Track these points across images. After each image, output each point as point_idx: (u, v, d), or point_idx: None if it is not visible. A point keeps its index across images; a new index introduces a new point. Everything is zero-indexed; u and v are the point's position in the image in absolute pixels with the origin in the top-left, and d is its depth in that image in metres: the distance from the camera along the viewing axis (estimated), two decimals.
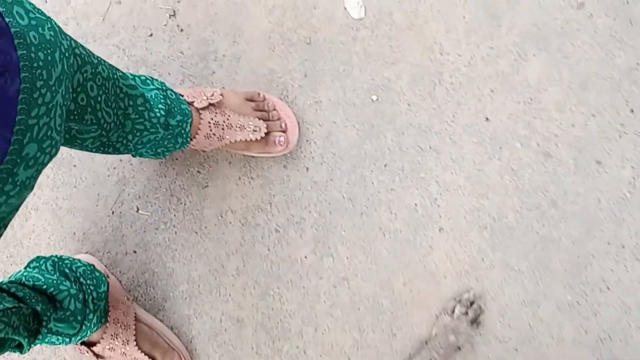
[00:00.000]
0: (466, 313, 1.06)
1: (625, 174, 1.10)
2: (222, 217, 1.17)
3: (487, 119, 1.12)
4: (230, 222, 1.17)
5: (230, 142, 1.06)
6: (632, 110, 1.10)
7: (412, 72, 1.15)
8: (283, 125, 1.10)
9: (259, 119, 1.07)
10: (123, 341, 1.07)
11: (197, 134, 1.00)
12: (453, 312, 1.07)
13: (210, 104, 1.02)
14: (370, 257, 1.14)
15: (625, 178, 1.10)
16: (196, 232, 1.18)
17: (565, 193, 1.09)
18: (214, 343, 1.18)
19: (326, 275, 1.15)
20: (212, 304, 1.18)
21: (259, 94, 1.11)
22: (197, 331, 1.19)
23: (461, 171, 1.12)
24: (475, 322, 1.06)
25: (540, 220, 1.09)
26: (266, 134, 1.08)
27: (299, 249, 1.16)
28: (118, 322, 1.07)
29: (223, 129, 1.05)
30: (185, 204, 1.18)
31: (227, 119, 1.05)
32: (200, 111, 1.01)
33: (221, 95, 1.05)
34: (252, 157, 1.15)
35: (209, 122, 1.01)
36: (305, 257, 1.16)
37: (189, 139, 0.99)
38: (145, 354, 1.09)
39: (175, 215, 1.18)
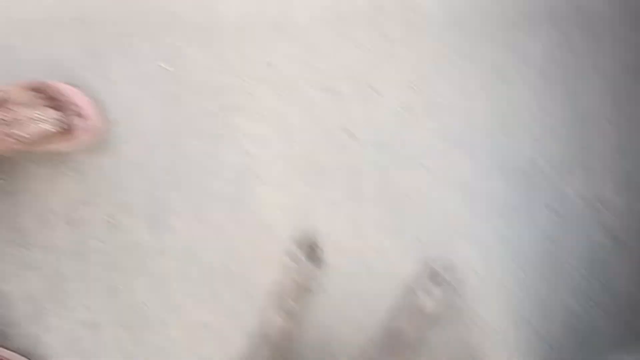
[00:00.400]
0: (307, 255, 1.07)
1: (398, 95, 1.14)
2: (43, 220, 1.11)
3: (269, 64, 1.11)
4: (54, 225, 1.11)
5: (25, 137, 0.98)
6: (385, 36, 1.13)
7: (195, 35, 1.11)
8: (79, 110, 1.04)
9: (51, 108, 1.01)
10: None
11: None
12: (294, 255, 1.07)
13: None
14: (206, 224, 1.12)
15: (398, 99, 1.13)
16: (20, 245, 1.11)
17: (360, 125, 1.12)
18: (72, 355, 1.13)
19: (169, 253, 1.12)
20: (60, 315, 1.12)
21: (45, 83, 1.03)
22: (50, 348, 1.12)
23: (267, 123, 1.11)
24: (317, 260, 1.08)
25: (346, 153, 1.11)
26: (63, 123, 1.02)
27: (134, 233, 1.12)
28: None
29: (10, 125, 0.97)
30: None
31: (14, 115, 0.97)
32: None
33: (2, 92, 0.97)
34: (61, 152, 1.08)
35: None
36: (144, 239, 1.12)
37: None
38: None
39: None
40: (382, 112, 1.12)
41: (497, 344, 1.11)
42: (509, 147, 1.13)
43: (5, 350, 1.10)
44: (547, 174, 1.13)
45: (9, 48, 1.10)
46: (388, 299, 1.10)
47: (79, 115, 1.05)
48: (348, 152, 1.11)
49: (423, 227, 1.11)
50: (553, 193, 1.13)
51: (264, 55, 1.12)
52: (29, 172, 1.10)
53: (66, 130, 1.04)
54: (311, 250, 1.07)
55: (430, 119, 1.12)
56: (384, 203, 1.11)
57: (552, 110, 1.13)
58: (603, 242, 1.11)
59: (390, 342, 1.03)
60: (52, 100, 1.04)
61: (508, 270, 1.11)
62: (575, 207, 1.13)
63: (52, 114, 1.00)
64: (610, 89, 1.13)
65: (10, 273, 1.11)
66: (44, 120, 0.99)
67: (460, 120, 1.13)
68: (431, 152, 1.12)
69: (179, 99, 1.10)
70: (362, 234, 1.11)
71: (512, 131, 1.13)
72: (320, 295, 1.11)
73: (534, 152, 1.13)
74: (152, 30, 1.11)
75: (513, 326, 1.11)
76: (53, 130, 1.00)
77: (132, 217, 1.11)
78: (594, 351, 1.10)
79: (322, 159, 1.11)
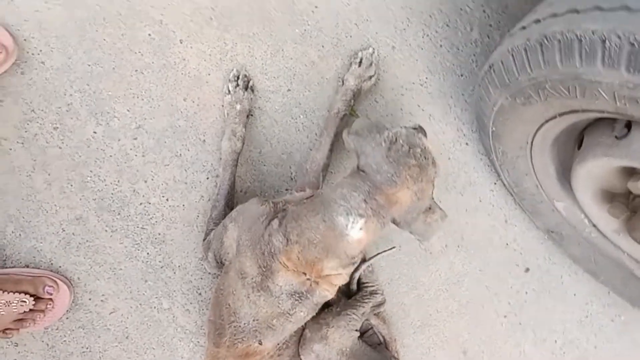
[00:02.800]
0: (237, 84, 1.25)
1: None
2: None
3: None
4: (10, 149, 1.21)
5: None
6: None
7: None
8: None
9: None
10: None
11: None
12: (229, 91, 1.25)
13: None
14: (144, 98, 1.26)
15: None
16: None
17: None
18: (72, 250, 1.25)
19: (122, 135, 1.25)
20: (46, 222, 1.23)
21: None
22: (50, 253, 1.24)
23: None
24: (248, 87, 1.26)
25: None
26: None
27: (84, 129, 1.24)
28: None
29: None
30: None
31: None
32: None
33: None
34: None
35: None
36: (94, 132, 1.25)
37: None
38: (15, 292, 1.13)
39: None
40: None
41: (424, 95, 1.36)
42: None
43: (12, 269, 1.21)
44: None
45: None
46: (324, 98, 1.31)
47: None
48: None
49: (337, 26, 1.31)
50: None
51: None
52: None
53: None
54: (241, 80, 1.25)
55: None
56: (293, 19, 1.30)
57: None
58: None
59: (330, 123, 1.25)
60: None
61: (417, 33, 1.34)
62: None
63: None
64: None
65: None
66: None
67: None
68: None
69: None
70: (284, 53, 1.30)
71: None
72: (259, 115, 1.30)
73: None
74: None
75: (434, 76, 1.35)
76: None
77: (76, 117, 1.24)
78: None
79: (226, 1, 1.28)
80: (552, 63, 0.80)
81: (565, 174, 1.09)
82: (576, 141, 1.01)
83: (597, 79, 0.73)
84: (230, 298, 1.03)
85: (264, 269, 0.96)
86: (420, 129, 0.99)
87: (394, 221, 0.94)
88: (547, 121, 0.95)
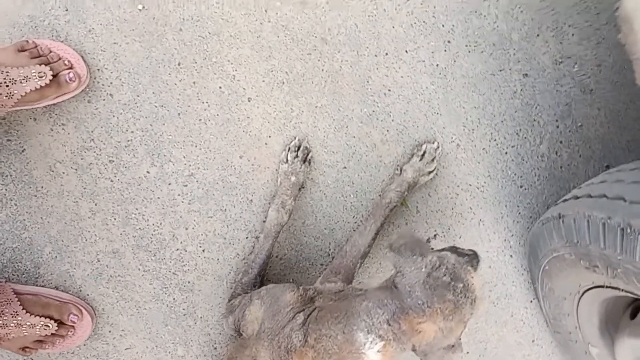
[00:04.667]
0: (297, 156, 1.24)
1: None
2: (53, 171, 1.21)
3: None
4: (63, 173, 1.22)
5: (22, 96, 1.08)
6: None
7: None
8: (67, 62, 1.14)
9: (40, 64, 1.10)
10: (11, 314, 1.11)
11: None
12: (287, 160, 1.24)
13: None
14: (202, 148, 1.26)
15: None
16: (35, 196, 1.21)
17: (328, 29, 1.28)
18: (102, 281, 1.26)
19: (173, 180, 1.26)
20: (83, 250, 1.25)
21: (27, 41, 1.12)
22: (81, 279, 1.25)
23: (243, 43, 1.25)
24: (306, 160, 1.25)
25: (320, 59, 1.27)
26: (54, 76, 1.11)
27: (138, 167, 1.24)
28: None
29: (7, 85, 1.06)
30: (11, 175, 1.20)
31: (7, 76, 1.06)
32: None
33: None
34: (54, 105, 1.19)
35: None
36: (148, 172, 1.25)
37: None
38: (40, 316, 1.15)
39: (6, 190, 1.20)
40: (354, 14, 1.27)
41: (479, 199, 1.34)
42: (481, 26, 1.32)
43: (36, 287, 1.23)
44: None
45: None
46: (378, 182, 1.30)
47: (67, 67, 1.15)
48: (323, 57, 1.27)
49: (405, 113, 1.29)
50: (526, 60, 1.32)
51: None
52: (31, 129, 1.20)
53: (57, 83, 1.15)
54: (299, 151, 1.24)
55: (401, 13, 1.28)
56: (364, 98, 1.29)
57: None
58: (574, 94, 1.32)
59: (378, 211, 1.23)
60: (40, 56, 1.13)
61: (485, 136, 1.31)
62: (546, 68, 1.32)
63: (43, 69, 1.10)
64: None
65: (31, 221, 1.22)
66: (35, 76, 1.09)
67: (427, 6, 1.30)
68: (403, 43, 1.29)
69: (155, 36, 1.22)
70: (348, 130, 1.29)
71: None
72: (311, 188, 1.29)
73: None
74: None
75: (493, 182, 1.34)
76: (45, 84, 1.10)
77: (133, 154, 1.24)
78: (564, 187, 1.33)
79: (301, 67, 1.27)
80: (630, 253, 0.78)
81: (608, 328, 1.06)
82: (629, 308, 0.98)
83: None
84: None
85: None
86: (473, 258, 0.96)
87: (413, 348, 0.92)
88: (606, 287, 0.92)
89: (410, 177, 1.23)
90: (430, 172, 1.25)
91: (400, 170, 1.25)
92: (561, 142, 1.34)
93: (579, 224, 0.89)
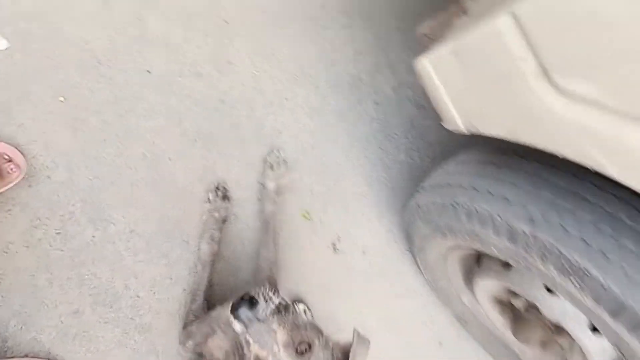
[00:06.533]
0: (217, 195, 1.55)
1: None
2: (6, 252, 1.38)
3: (149, 71, 1.54)
4: (16, 252, 1.39)
5: None
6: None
7: (75, 67, 1.48)
8: (5, 156, 1.34)
9: None
10: None
11: None
12: (209, 200, 1.54)
13: None
14: (138, 207, 1.50)
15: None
16: None
17: (223, 91, 1.61)
18: (69, 340, 1.44)
19: (117, 239, 1.49)
20: (46, 316, 1.42)
21: None
22: (49, 343, 1.42)
23: (157, 115, 1.53)
24: (225, 197, 1.56)
25: (222, 116, 1.60)
26: None
27: (83, 234, 1.46)
28: None
29: None
30: None
31: None
32: None
33: None
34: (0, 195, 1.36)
35: None
36: (93, 236, 1.47)
37: None
38: None
39: None
40: (239, 76, 1.62)
41: (364, 204, 1.74)
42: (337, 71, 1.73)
43: (11, 359, 1.39)
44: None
45: None
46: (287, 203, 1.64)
47: (7, 160, 1.36)
48: (224, 114, 1.61)
49: (294, 148, 1.66)
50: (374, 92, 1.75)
51: (142, 65, 1.54)
52: None
53: (0, 176, 1.34)
54: (219, 191, 1.56)
55: (276, 70, 1.66)
56: (263, 140, 1.64)
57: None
58: (412, 111, 1.78)
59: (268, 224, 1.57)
60: None
61: (359, 155, 1.72)
62: (390, 96, 1.77)
63: None
64: None
65: None
66: None
67: (296, 62, 1.69)
68: (283, 93, 1.66)
69: (79, 120, 1.44)
70: (254, 167, 1.62)
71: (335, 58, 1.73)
72: (235, 221, 1.61)
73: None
74: (42, 75, 1.45)
75: (372, 189, 1.74)
76: None
77: (77, 224, 1.46)
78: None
79: (207, 125, 1.59)
80: (459, 220, 1.21)
81: (469, 279, 1.51)
82: (477, 261, 1.44)
83: (488, 240, 1.14)
84: None
85: None
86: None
87: None
88: (455, 248, 1.36)
89: (272, 186, 1.58)
90: (285, 174, 1.60)
91: (263, 186, 1.60)
92: (412, 149, 1.81)
93: (428, 209, 1.32)
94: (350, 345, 1.03)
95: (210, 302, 1.47)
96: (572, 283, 0.94)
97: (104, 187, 1.45)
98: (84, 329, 1.42)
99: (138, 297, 1.47)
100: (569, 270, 0.93)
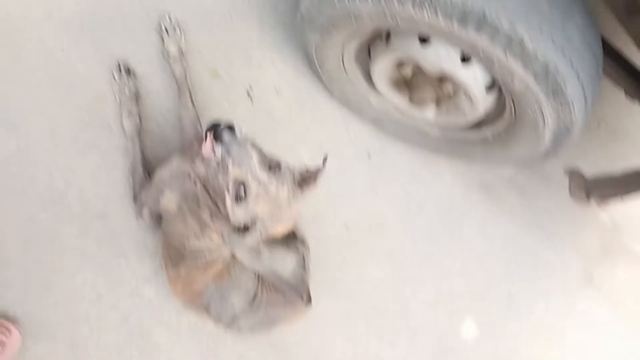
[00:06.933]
0: (120, 72, 1.60)
1: None
2: None
3: None
4: None
5: None
6: None
7: None
8: None
9: None
10: None
11: None
12: (114, 78, 1.60)
13: None
14: (50, 107, 1.54)
15: None
16: None
17: None
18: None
19: (40, 142, 1.54)
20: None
21: None
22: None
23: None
24: (129, 72, 1.60)
25: None
26: None
27: (7, 147, 1.52)
28: None
29: None
30: None
31: None
32: None
33: None
34: None
35: None
36: (17, 146, 1.52)
37: None
38: None
39: None
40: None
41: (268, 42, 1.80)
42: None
43: None
44: None
45: None
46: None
47: None
48: None
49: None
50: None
51: None
52: None
53: None
54: (124, 68, 1.60)
55: None
56: (148, 11, 1.65)
57: None
58: None
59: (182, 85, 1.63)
60: None
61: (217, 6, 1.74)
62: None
63: None
64: None
65: None
66: None
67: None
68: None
69: None
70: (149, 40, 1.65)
71: None
72: (151, 97, 1.68)
73: None
74: None
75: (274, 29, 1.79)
76: None
77: None
78: None
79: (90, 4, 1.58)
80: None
81: (368, 76, 1.65)
82: (368, 54, 1.57)
83: (359, 11, 1.23)
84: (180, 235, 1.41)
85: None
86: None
87: None
88: (345, 45, 1.48)
89: (174, 49, 1.63)
90: (181, 36, 1.64)
91: (167, 52, 1.64)
92: None
93: (310, 8, 1.38)
94: (306, 170, 1.24)
95: (149, 173, 1.58)
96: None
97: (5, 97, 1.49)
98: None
99: (82, 189, 1.56)
100: None
